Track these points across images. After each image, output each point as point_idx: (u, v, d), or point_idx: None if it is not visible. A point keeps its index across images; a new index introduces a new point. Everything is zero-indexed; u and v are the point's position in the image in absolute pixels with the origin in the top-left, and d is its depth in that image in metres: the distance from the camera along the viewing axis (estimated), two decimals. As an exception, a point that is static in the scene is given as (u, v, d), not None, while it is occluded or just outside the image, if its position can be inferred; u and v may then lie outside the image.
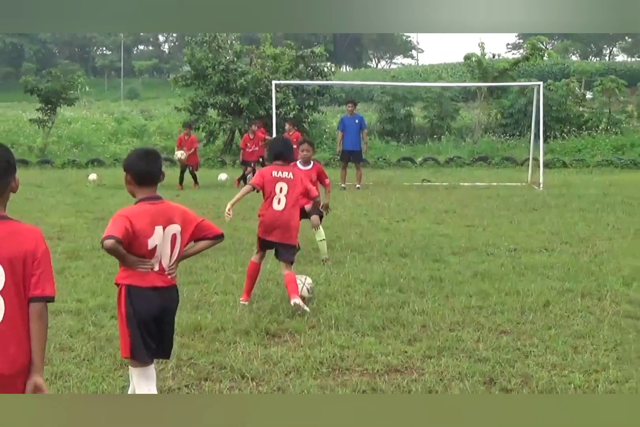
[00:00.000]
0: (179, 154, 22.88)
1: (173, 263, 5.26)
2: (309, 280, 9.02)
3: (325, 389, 6.07)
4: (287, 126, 23.02)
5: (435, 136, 39.61)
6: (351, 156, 23.22)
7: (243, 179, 23.03)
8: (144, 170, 5.22)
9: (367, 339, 7.42)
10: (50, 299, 3.81)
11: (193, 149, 23.51)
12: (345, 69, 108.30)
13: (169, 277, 5.25)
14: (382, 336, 7.54)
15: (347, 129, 23.25)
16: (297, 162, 10.91)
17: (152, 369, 5.37)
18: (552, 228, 14.68)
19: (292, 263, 8.81)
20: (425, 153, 36.07)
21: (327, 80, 37.69)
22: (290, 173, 8.73)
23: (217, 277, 10.17)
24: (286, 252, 8.72)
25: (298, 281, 8.66)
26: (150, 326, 5.23)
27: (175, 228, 5.20)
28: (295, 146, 10.98)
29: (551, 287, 9.54)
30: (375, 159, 34.03)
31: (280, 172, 8.67)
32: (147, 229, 5.08)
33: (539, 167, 24.74)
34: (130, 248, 5.08)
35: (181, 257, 5.36)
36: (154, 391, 5.35)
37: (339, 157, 25.06)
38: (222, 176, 25.66)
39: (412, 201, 19.52)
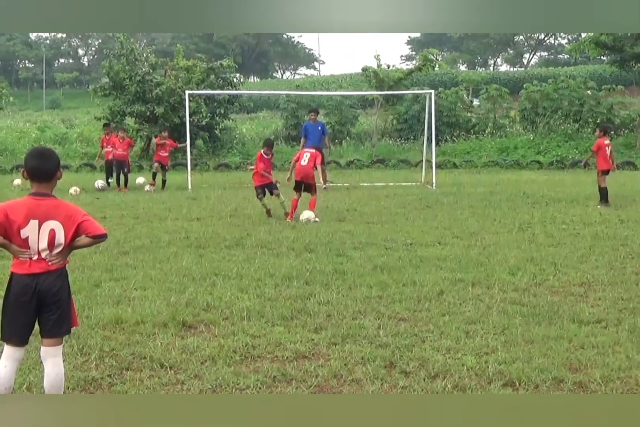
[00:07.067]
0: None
1: (56, 253, 5.20)
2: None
3: (239, 376, 5.99)
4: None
5: (336, 141, 39.70)
6: None
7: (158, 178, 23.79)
8: (35, 167, 5.20)
9: (277, 329, 7.34)
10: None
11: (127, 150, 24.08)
12: (253, 79, 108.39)
13: (49, 264, 5.19)
14: (290, 326, 7.47)
15: (310, 134, 23.39)
16: None
17: (19, 351, 5.27)
18: (445, 224, 14.79)
19: None
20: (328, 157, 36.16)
21: (236, 90, 37.99)
22: None
23: (137, 273, 9.98)
24: None
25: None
26: (27, 310, 5.16)
27: (53, 224, 5.15)
28: None
29: (444, 278, 9.57)
30: (282, 162, 34.04)
31: None
32: (20, 220, 5.08)
33: (431, 168, 25.03)
34: (8, 237, 5.10)
35: (68, 248, 5.27)
36: (5, 369, 5.22)
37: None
38: (140, 180, 25.58)
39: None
